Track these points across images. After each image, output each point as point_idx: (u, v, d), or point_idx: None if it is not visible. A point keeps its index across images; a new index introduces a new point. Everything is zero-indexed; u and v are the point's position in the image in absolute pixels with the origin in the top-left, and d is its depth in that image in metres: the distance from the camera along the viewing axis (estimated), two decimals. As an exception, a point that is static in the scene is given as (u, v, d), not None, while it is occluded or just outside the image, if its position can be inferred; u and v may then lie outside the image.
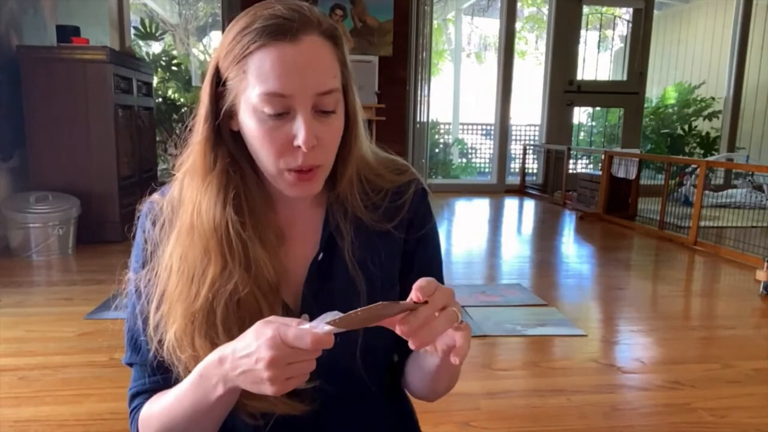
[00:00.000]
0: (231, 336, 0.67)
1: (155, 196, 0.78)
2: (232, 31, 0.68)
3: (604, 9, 7.19)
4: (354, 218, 0.77)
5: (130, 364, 0.79)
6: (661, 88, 8.34)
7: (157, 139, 5.22)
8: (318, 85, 0.67)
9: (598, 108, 7.62)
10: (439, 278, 0.86)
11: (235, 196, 0.71)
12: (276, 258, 0.73)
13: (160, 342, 0.71)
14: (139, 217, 0.78)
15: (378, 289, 0.77)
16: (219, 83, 0.70)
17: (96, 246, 3.55)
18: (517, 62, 7.00)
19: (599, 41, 7.88)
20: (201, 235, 0.70)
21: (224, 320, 0.69)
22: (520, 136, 8.35)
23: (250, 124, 0.68)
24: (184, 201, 0.73)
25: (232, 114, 0.70)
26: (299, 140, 0.66)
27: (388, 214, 0.79)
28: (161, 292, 0.71)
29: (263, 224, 0.73)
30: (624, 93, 6.73)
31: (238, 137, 0.72)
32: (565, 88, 6.58)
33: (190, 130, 0.74)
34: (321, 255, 0.76)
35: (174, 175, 0.77)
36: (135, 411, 0.76)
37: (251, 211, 0.73)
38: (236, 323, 0.69)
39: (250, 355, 0.59)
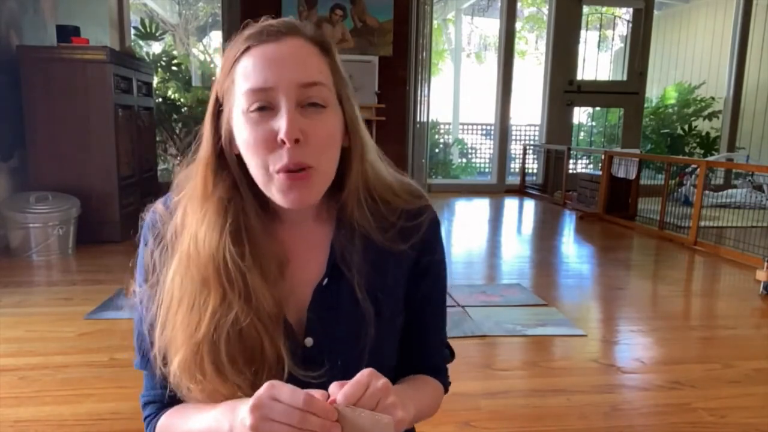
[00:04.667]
0: (236, 366, 0.67)
1: (158, 206, 0.76)
2: (226, 51, 0.70)
3: (604, 9, 7.19)
4: (362, 238, 0.74)
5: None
6: (661, 88, 8.34)
7: (157, 139, 5.22)
8: (300, 76, 0.66)
9: (598, 108, 7.62)
10: (442, 308, 0.85)
11: (234, 226, 0.70)
12: (276, 288, 0.71)
13: (165, 365, 0.71)
14: (142, 227, 0.77)
15: (386, 318, 0.75)
16: (219, 106, 0.71)
17: (96, 246, 3.55)
18: (517, 62, 7.00)
19: (599, 41, 7.87)
20: (198, 265, 0.69)
21: (228, 350, 0.68)
22: (520, 136, 8.34)
23: (240, 131, 0.68)
24: (185, 227, 0.72)
25: (232, 138, 0.70)
26: (282, 133, 0.65)
27: (403, 234, 0.76)
28: (164, 316, 0.71)
29: (263, 253, 0.71)
30: (624, 93, 6.73)
31: (241, 162, 0.71)
32: (565, 88, 6.58)
33: (194, 152, 0.73)
34: (326, 280, 0.74)
35: (178, 172, 0.76)
36: (150, 418, 0.77)
37: (251, 239, 0.71)
38: (240, 354, 0.68)
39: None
